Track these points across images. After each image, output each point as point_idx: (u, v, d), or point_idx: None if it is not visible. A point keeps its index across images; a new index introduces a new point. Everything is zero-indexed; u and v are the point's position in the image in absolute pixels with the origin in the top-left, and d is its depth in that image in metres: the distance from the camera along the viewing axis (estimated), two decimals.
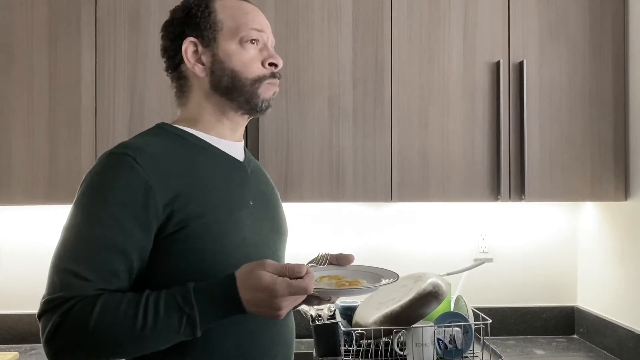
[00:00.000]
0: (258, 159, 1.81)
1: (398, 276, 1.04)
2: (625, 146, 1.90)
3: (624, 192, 1.89)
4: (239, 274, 0.89)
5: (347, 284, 1.03)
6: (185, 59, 1.07)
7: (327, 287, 1.01)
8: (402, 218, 2.20)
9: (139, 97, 1.83)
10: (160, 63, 1.82)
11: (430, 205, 2.19)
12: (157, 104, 1.83)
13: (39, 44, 1.83)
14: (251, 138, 1.84)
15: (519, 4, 1.89)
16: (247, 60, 1.06)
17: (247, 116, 1.12)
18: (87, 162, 1.80)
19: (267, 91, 1.08)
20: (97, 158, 1.00)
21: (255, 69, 1.07)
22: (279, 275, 0.87)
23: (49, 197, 1.81)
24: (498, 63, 1.87)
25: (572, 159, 1.89)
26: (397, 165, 1.86)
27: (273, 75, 1.09)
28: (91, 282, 0.91)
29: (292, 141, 1.85)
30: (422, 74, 1.88)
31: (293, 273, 0.87)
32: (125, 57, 1.84)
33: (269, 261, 0.89)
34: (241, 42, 1.06)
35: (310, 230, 2.16)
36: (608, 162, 1.89)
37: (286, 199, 1.81)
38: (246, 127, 1.81)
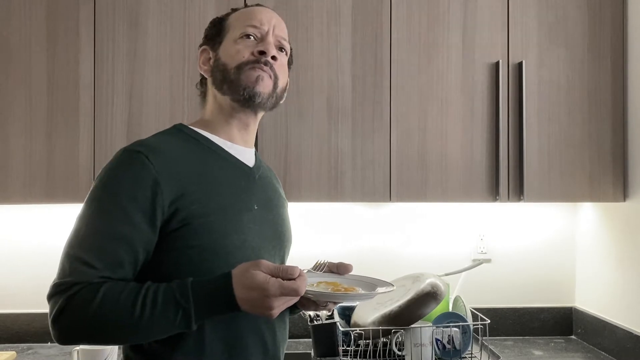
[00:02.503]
0: None
1: (394, 286, 1.07)
2: (624, 147, 1.90)
3: (623, 193, 1.89)
4: (235, 272, 0.92)
5: (343, 289, 1.05)
6: (198, 65, 1.18)
7: (322, 291, 1.03)
8: (400, 218, 2.20)
9: (137, 97, 1.83)
10: (159, 63, 1.84)
11: (429, 205, 2.19)
12: (155, 103, 1.83)
13: (37, 43, 1.83)
14: None
15: (518, 5, 1.89)
16: (235, 52, 1.11)
17: (242, 109, 1.12)
18: (85, 162, 1.79)
19: (249, 76, 1.08)
20: (114, 154, 1.05)
21: (241, 58, 1.10)
22: (273, 276, 0.90)
23: (47, 196, 1.80)
24: (497, 63, 1.87)
25: (571, 159, 1.89)
26: (396, 166, 1.86)
27: (256, 61, 1.09)
28: (97, 270, 0.95)
29: (290, 141, 1.85)
30: (421, 74, 1.87)
31: (286, 274, 0.90)
32: (123, 57, 1.83)
33: (265, 261, 0.92)
34: (236, 39, 1.12)
35: (308, 230, 2.16)
36: (607, 163, 1.89)
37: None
38: None
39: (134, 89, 1.83)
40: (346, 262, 1.13)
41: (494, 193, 1.87)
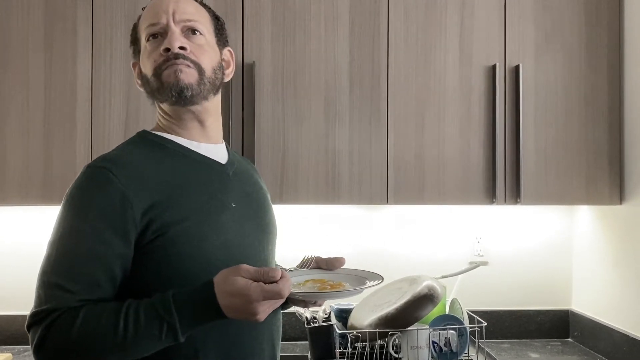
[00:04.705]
0: (254, 161, 1.81)
1: (382, 278, 1.05)
2: (620, 150, 1.91)
3: (619, 196, 1.90)
4: (217, 279, 0.90)
5: (329, 287, 1.03)
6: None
7: (307, 291, 1.01)
8: (397, 221, 2.20)
9: (135, 98, 1.83)
10: None
11: (426, 208, 2.19)
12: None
13: (35, 44, 1.83)
14: (247, 139, 1.84)
15: (515, 8, 1.89)
16: (147, 59, 1.08)
17: (185, 109, 1.07)
18: (82, 163, 1.79)
19: (168, 76, 1.04)
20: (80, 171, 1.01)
21: (152, 63, 1.06)
22: (254, 280, 0.88)
23: (44, 197, 1.80)
24: (494, 67, 1.87)
25: (568, 162, 1.89)
26: (393, 168, 1.86)
27: (167, 59, 1.04)
28: (74, 294, 0.92)
29: (288, 143, 1.85)
30: (419, 77, 1.88)
31: (267, 277, 0.88)
32: (121, 58, 1.83)
33: (245, 266, 0.89)
34: (145, 44, 1.09)
35: (306, 232, 2.16)
36: (603, 166, 1.90)
37: (281, 201, 1.81)
38: (242, 128, 1.83)
39: (131, 90, 1.83)
40: None
41: (491, 196, 1.87)
